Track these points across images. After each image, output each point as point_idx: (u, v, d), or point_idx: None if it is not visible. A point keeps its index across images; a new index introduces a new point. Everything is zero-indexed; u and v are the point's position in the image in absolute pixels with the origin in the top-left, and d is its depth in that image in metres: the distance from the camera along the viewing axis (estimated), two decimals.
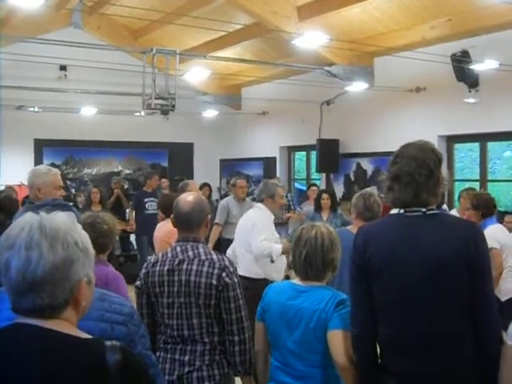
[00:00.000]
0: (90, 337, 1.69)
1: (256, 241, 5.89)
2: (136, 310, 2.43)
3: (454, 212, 8.54)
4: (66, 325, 1.65)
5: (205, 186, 12.29)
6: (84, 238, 1.71)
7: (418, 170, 2.72)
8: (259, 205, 6.30)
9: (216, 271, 3.41)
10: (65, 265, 1.63)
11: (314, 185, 12.26)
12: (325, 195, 9.81)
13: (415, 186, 2.73)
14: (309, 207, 10.69)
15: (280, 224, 11.70)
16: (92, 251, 1.73)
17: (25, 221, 1.65)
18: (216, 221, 9.14)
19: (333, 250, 3.26)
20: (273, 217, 6.30)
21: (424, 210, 2.76)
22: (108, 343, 1.66)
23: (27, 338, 1.60)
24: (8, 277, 1.60)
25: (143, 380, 1.74)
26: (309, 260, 3.23)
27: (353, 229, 4.81)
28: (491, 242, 5.92)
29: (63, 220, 1.69)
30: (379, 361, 2.89)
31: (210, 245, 8.63)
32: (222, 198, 13.76)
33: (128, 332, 2.22)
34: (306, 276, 3.27)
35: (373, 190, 11.01)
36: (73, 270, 1.65)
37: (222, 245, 8.67)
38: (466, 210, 6.83)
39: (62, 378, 1.55)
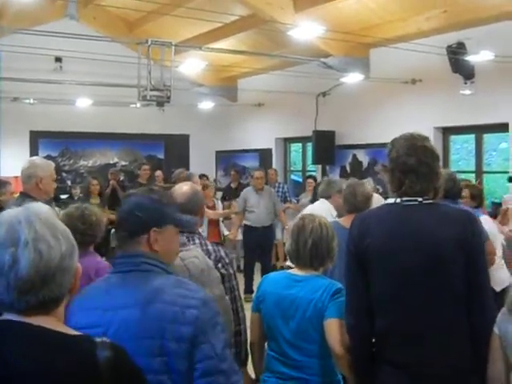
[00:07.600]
0: (78, 333, 1.66)
1: None
2: (213, 300, 2.36)
3: None
4: (53, 321, 1.63)
5: (203, 177, 12.25)
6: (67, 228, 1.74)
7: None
8: (323, 200, 6.61)
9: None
10: (68, 253, 1.64)
11: (311, 176, 12.26)
12: None
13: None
14: (307, 198, 10.71)
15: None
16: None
17: (15, 214, 1.62)
18: (236, 210, 10.34)
19: (333, 240, 3.32)
20: (335, 213, 5.93)
21: (420, 199, 2.78)
22: (98, 340, 1.64)
23: (16, 336, 1.57)
24: (14, 274, 1.55)
25: (135, 377, 1.72)
26: (315, 248, 3.26)
27: (343, 221, 4.66)
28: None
29: (50, 211, 1.70)
30: (373, 349, 2.89)
31: (234, 230, 10.38)
32: (218, 189, 13.73)
33: (198, 316, 2.17)
34: (311, 264, 3.29)
35: (368, 182, 11.02)
36: (73, 258, 1.67)
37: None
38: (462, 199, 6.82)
39: (51, 376, 1.52)
